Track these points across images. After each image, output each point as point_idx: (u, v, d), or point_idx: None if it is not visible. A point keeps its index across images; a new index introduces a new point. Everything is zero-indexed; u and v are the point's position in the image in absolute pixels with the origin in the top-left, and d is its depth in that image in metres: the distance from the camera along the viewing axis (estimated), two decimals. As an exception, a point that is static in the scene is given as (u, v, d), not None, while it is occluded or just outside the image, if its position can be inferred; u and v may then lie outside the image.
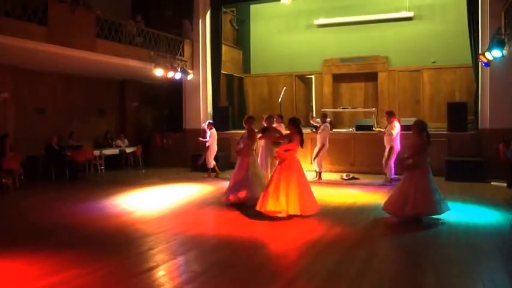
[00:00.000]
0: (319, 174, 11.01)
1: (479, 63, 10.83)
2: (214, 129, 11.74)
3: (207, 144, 11.59)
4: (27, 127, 11.89)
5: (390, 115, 10.11)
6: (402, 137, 9.79)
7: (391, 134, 9.83)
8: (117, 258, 5.03)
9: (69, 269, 4.64)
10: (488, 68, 10.67)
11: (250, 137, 8.16)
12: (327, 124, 11.00)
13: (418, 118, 9.07)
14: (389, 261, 4.98)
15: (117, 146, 14.00)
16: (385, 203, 6.83)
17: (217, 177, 11.58)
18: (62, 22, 9.79)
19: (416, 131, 6.66)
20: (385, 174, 10.27)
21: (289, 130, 7.13)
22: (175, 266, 4.92)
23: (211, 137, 11.61)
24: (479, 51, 10.87)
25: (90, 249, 5.45)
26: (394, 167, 9.76)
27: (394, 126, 9.88)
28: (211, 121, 12.42)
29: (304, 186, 6.95)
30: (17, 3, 8.87)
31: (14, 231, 6.52)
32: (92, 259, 4.99)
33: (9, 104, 11.41)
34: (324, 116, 11.14)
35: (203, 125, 12.55)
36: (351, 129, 13.35)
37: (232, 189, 7.96)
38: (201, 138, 11.85)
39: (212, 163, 11.70)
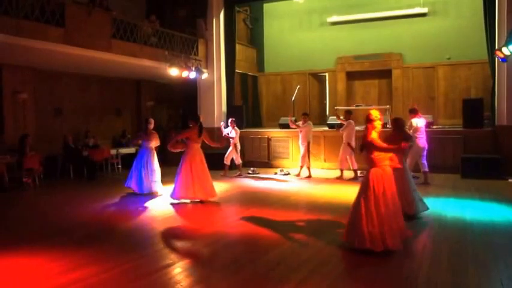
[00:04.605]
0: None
1: (496, 58, 10.67)
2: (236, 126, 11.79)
3: (233, 141, 11.48)
4: (46, 127, 12.13)
5: (409, 112, 10.00)
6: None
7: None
8: (134, 256, 5.12)
9: (87, 266, 4.75)
10: (505, 63, 10.52)
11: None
12: (351, 121, 10.82)
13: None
14: (405, 259, 4.97)
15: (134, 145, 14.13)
16: None
17: (240, 175, 11.63)
18: (79, 23, 9.99)
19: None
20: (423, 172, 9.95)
21: None
22: (191, 263, 5.00)
23: (237, 135, 11.66)
24: (496, 47, 10.73)
25: (108, 247, 5.56)
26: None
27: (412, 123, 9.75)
28: (233, 118, 12.14)
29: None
30: (35, 6, 9.06)
31: (35, 228, 6.67)
32: (110, 256, 5.10)
33: (28, 105, 11.64)
34: (348, 113, 11.04)
35: (222, 123, 12.46)
36: (364, 127, 13.25)
37: None
38: (227, 134, 11.51)
39: (237, 160, 11.76)
